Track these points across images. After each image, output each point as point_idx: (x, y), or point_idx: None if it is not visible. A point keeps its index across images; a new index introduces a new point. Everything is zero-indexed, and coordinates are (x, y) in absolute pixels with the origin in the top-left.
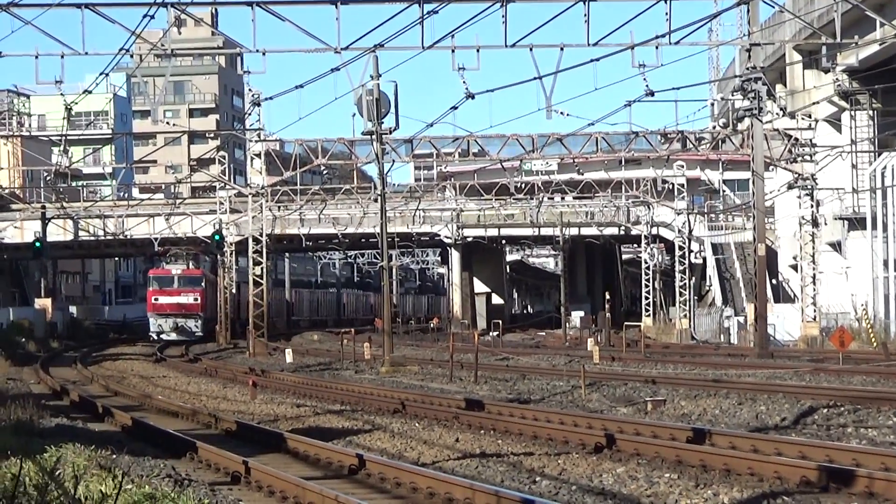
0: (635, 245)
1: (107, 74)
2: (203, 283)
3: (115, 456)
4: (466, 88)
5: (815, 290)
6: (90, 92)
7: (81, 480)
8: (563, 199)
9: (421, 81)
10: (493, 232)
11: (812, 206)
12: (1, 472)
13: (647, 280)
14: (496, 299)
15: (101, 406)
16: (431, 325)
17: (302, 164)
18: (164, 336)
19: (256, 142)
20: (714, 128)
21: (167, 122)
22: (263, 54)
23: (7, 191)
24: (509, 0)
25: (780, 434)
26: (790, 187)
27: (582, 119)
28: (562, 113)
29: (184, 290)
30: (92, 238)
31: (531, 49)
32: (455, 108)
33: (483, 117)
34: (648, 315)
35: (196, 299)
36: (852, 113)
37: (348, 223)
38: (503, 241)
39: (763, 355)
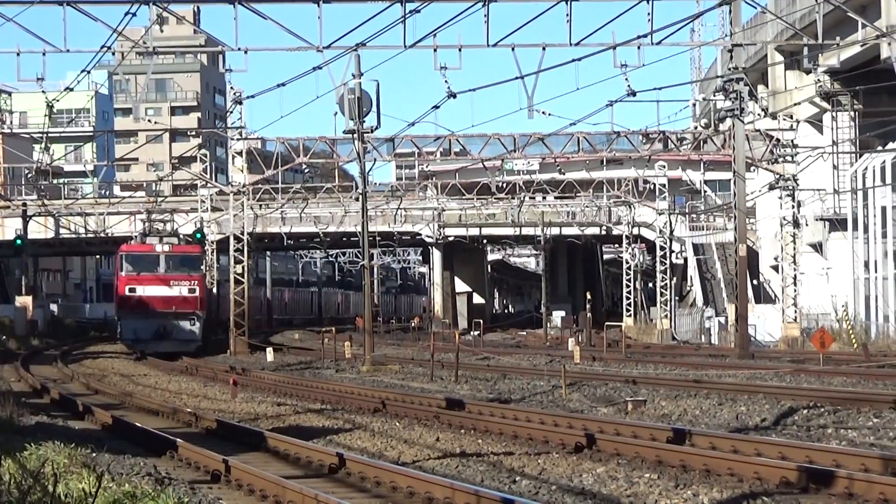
0: (616, 245)
1: (88, 72)
2: (203, 266)
3: (95, 454)
4: (448, 88)
5: (795, 290)
6: (72, 89)
7: (61, 479)
8: (544, 198)
9: (403, 80)
10: (474, 231)
11: (793, 207)
12: None
13: (628, 280)
14: (477, 299)
15: (82, 404)
16: (412, 324)
17: (283, 163)
18: (143, 347)
19: (238, 140)
20: (696, 128)
21: (149, 120)
22: (245, 52)
23: None
24: (491, 0)
25: (761, 434)
26: (771, 188)
27: (564, 119)
28: (543, 112)
29: (175, 276)
30: (73, 236)
31: (513, 49)
32: (437, 107)
33: (465, 117)
34: (629, 315)
35: (193, 290)
36: (834, 114)
37: (329, 222)
38: (484, 241)
39: (744, 356)
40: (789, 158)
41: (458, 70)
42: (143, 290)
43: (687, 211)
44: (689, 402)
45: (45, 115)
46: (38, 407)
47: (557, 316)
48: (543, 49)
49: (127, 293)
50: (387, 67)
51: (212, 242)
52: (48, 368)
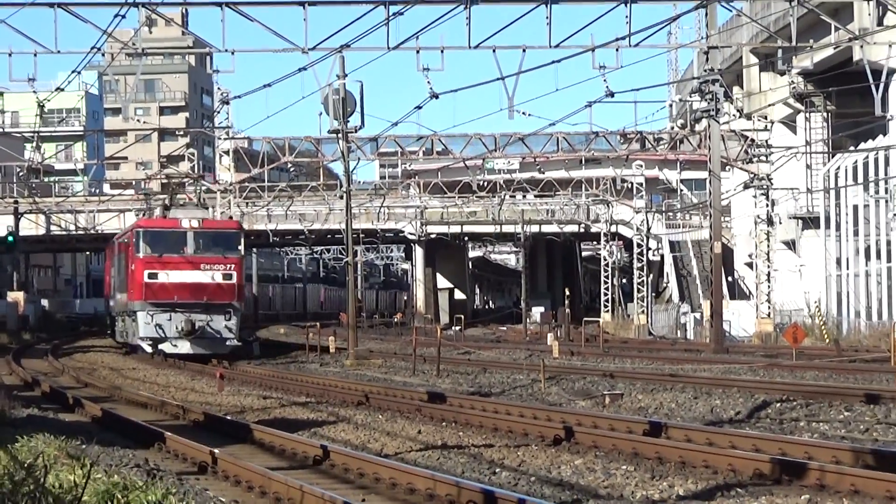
0: (595, 242)
1: (79, 72)
2: (240, 247)
3: (84, 446)
4: (431, 88)
5: (769, 287)
6: (62, 89)
7: (52, 470)
8: (524, 197)
9: (386, 81)
10: (455, 229)
11: (767, 206)
12: None
13: (606, 277)
14: (459, 294)
15: (72, 397)
16: (395, 319)
17: (269, 162)
18: (166, 347)
19: (225, 139)
20: (672, 128)
21: (138, 120)
22: (232, 54)
23: None
24: (473, 2)
25: (735, 427)
26: (746, 187)
27: (543, 119)
28: (524, 113)
29: (206, 258)
30: (63, 233)
31: (494, 50)
32: (419, 107)
33: (447, 117)
34: (607, 311)
35: (229, 276)
36: (807, 115)
37: (314, 219)
38: (466, 238)
39: (718, 351)
40: (763, 158)
41: (440, 71)
42: (168, 276)
43: (663, 209)
44: (665, 396)
45: (37, 115)
46: (29, 400)
47: (537, 311)
48: (524, 51)
49: (147, 279)
50: (370, 68)
51: None
52: (39, 362)
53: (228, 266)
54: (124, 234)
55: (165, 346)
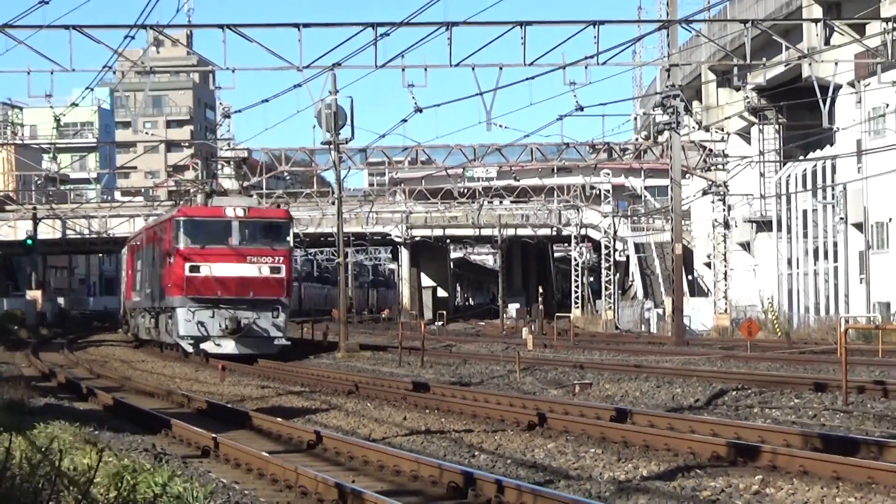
0: (566, 244)
1: (92, 89)
2: (289, 238)
3: (97, 432)
4: (415, 103)
5: (726, 285)
6: (77, 105)
7: (67, 454)
8: (501, 202)
9: (374, 97)
10: (438, 232)
11: (724, 210)
12: None
13: (577, 276)
14: (441, 292)
15: (86, 387)
16: (383, 315)
17: (267, 171)
18: (209, 347)
19: (226, 150)
20: (637, 139)
21: (146, 132)
22: (233, 72)
23: (2, 193)
24: (453, 24)
25: (694, 414)
26: (704, 193)
27: (518, 131)
28: (500, 125)
29: (253, 249)
30: (78, 236)
31: (473, 68)
32: (405, 120)
33: (430, 129)
34: (577, 307)
35: (278, 269)
36: (760, 127)
37: (309, 223)
38: (447, 241)
39: (679, 343)
40: (720, 167)
41: (423, 87)
42: (211, 270)
43: (629, 214)
44: (631, 385)
45: (53, 128)
46: (46, 390)
47: (513, 308)
48: (500, 69)
49: (189, 273)
50: (360, 85)
51: None
52: (55, 355)
53: (277, 258)
54: (158, 224)
55: (208, 346)
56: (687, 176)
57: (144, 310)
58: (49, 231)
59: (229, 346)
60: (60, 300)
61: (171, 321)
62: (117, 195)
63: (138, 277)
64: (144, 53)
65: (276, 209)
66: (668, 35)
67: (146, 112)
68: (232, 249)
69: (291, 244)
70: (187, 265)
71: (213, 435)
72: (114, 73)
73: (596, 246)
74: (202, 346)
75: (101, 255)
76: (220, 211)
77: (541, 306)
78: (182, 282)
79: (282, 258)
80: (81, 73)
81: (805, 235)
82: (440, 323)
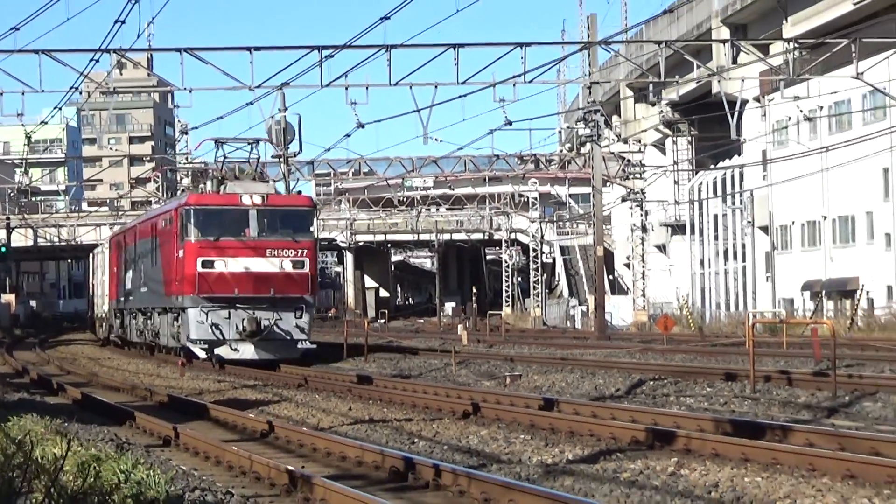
0: (497, 248)
1: (60, 108)
2: (313, 229)
3: (67, 424)
4: (358, 119)
5: (644, 284)
6: (46, 123)
7: (38, 445)
8: (437, 209)
9: (320, 113)
10: (380, 237)
11: (641, 215)
12: None
13: (507, 276)
14: (383, 293)
15: (56, 383)
16: (330, 314)
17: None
18: (224, 351)
19: (185, 163)
20: (561, 151)
21: (111, 148)
22: (190, 91)
23: None
24: (392, 46)
25: (615, 402)
26: (624, 200)
27: (453, 144)
28: (436, 139)
29: (274, 242)
30: (49, 244)
31: (411, 87)
32: (348, 135)
33: (371, 143)
34: (508, 305)
35: (301, 264)
36: (674, 139)
37: None
38: (389, 245)
39: (602, 338)
40: (638, 175)
41: (365, 105)
42: (226, 265)
43: (555, 219)
44: (557, 376)
45: (25, 145)
46: (20, 386)
47: (449, 306)
48: (436, 87)
49: (201, 269)
50: (307, 103)
51: None
52: (28, 354)
53: (300, 252)
54: (159, 215)
55: (223, 351)
56: (607, 184)
57: (138, 310)
58: (22, 239)
59: (248, 351)
60: (33, 303)
61: (177, 323)
62: (84, 206)
63: (129, 275)
64: (108, 75)
65: (299, 195)
66: (589, 55)
67: (110, 129)
68: (249, 242)
69: (316, 235)
70: (199, 260)
71: (174, 426)
72: (80, 93)
73: (525, 249)
74: (216, 350)
75: (70, 260)
76: (236, 198)
77: (475, 305)
78: (193, 279)
79: (305, 251)
80: (50, 94)
81: (716, 238)
82: (382, 321)
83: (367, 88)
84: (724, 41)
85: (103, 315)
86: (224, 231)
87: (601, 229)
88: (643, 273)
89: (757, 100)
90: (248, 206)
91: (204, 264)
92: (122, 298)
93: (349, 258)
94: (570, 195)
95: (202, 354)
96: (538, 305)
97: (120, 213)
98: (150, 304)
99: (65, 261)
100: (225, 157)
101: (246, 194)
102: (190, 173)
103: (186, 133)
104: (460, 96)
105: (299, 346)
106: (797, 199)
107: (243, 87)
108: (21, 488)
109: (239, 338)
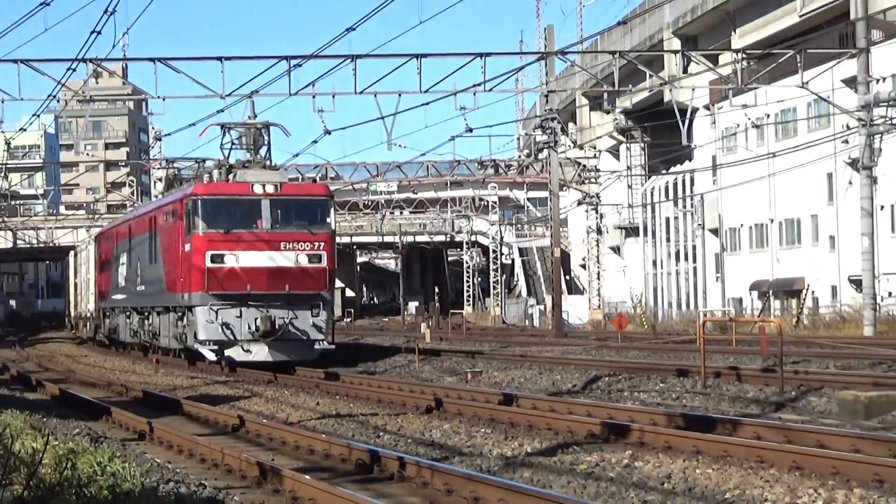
0: (458, 249)
1: (39, 116)
2: (330, 220)
3: (45, 419)
4: (324, 126)
5: (599, 284)
6: (25, 130)
7: (18, 439)
8: (401, 213)
9: (288, 120)
10: (346, 239)
11: (597, 218)
12: None
13: (468, 277)
14: (349, 292)
15: (35, 379)
16: None
17: None
18: (235, 353)
19: (158, 168)
20: (520, 157)
21: (87, 154)
22: (163, 99)
23: None
24: (358, 56)
25: (572, 397)
26: (579, 203)
27: (416, 150)
28: (400, 145)
29: (288, 234)
30: (28, 246)
31: (375, 95)
32: (315, 142)
33: (338, 149)
34: (469, 304)
35: (318, 258)
36: (627, 145)
37: None
38: (355, 247)
39: (559, 335)
40: (593, 180)
41: (332, 112)
42: (237, 259)
43: (513, 222)
44: (516, 373)
45: (4, 150)
46: (0, 382)
47: (412, 305)
48: (399, 95)
49: (210, 264)
50: (276, 110)
51: None
52: (8, 351)
53: (316, 244)
54: (159, 208)
55: (234, 352)
56: (564, 188)
57: (132, 309)
58: (1, 241)
59: (261, 353)
60: (12, 302)
61: (181, 323)
62: (62, 209)
63: (121, 273)
64: (85, 84)
65: (314, 184)
66: (546, 65)
67: (87, 136)
68: (262, 234)
69: (333, 227)
70: (208, 254)
71: (148, 420)
72: (58, 101)
73: (485, 250)
74: (227, 352)
75: (48, 262)
76: (246, 188)
77: (437, 304)
78: (202, 275)
79: (322, 244)
80: (29, 102)
81: (668, 240)
82: (349, 319)
83: (333, 97)
84: (675, 52)
85: (88, 314)
86: (234, 223)
87: (558, 232)
88: (598, 273)
89: (707, 108)
90: (261, 195)
91: (213, 259)
92: (113, 297)
93: None
94: (528, 199)
95: (211, 356)
96: (498, 304)
97: (96, 216)
98: (148, 302)
99: (43, 262)
100: (232, 144)
101: (258, 183)
102: (164, 177)
103: (160, 139)
104: (423, 104)
105: (316, 346)
106: (745, 203)
107: (214, 95)
108: (1, 480)
109: (251, 338)
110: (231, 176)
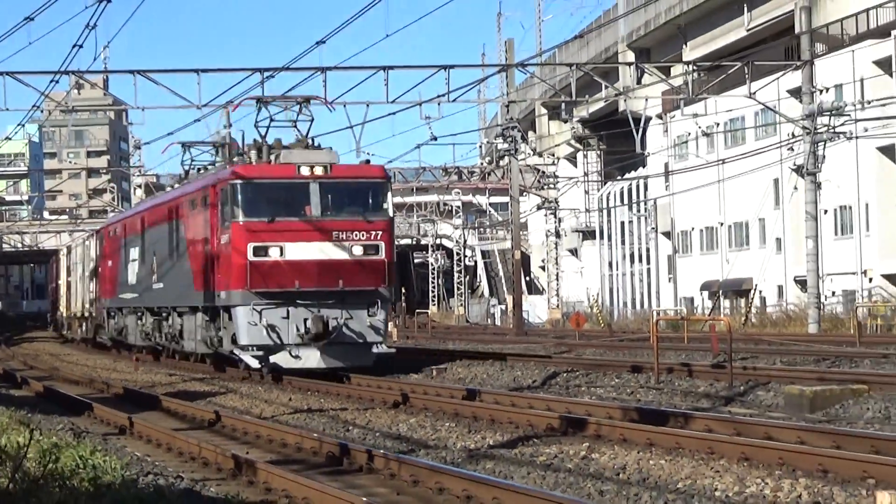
0: (424, 252)
1: (23, 125)
2: (387, 205)
3: (30, 415)
4: (297, 134)
5: (558, 284)
6: (10, 139)
7: (3, 434)
8: None
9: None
10: None
11: (555, 222)
12: None
13: (433, 278)
14: None
15: (20, 377)
16: None
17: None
18: (282, 359)
19: (138, 176)
20: (482, 164)
21: (70, 161)
22: (143, 110)
23: None
24: (328, 69)
25: (532, 392)
26: (539, 208)
27: (383, 157)
28: (368, 153)
29: (341, 223)
30: (13, 249)
31: (345, 105)
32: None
33: None
34: (434, 304)
35: (375, 249)
36: (584, 152)
37: None
38: None
39: (519, 334)
40: (552, 186)
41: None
42: (284, 252)
43: (476, 226)
44: (479, 369)
45: None
46: None
47: None
48: (367, 105)
49: (253, 258)
50: (249, 120)
51: None
52: None
53: (373, 234)
54: (184, 196)
55: (281, 358)
56: (524, 194)
57: (147, 309)
58: None
59: (312, 359)
60: None
61: (215, 325)
62: (46, 214)
63: (131, 269)
64: (67, 95)
65: (368, 165)
66: (507, 77)
67: (69, 144)
68: (312, 223)
69: (392, 213)
70: (250, 246)
71: (129, 415)
72: (42, 111)
73: (449, 253)
74: (272, 358)
75: (32, 265)
76: (292, 170)
77: (403, 304)
78: (243, 270)
79: (380, 233)
80: (14, 112)
81: (623, 242)
82: None
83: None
84: (629, 64)
85: (84, 314)
86: (280, 210)
87: (518, 235)
88: (557, 275)
89: (659, 117)
90: (308, 178)
91: (256, 251)
92: (120, 296)
93: None
94: (490, 204)
95: (254, 363)
96: (461, 304)
97: (78, 220)
98: (168, 302)
99: (28, 265)
100: (271, 120)
101: (305, 164)
102: (144, 185)
103: (140, 148)
104: (390, 114)
105: (374, 349)
106: (696, 208)
107: (191, 105)
108: None
109: (301, 342)
110: (273, 157)
